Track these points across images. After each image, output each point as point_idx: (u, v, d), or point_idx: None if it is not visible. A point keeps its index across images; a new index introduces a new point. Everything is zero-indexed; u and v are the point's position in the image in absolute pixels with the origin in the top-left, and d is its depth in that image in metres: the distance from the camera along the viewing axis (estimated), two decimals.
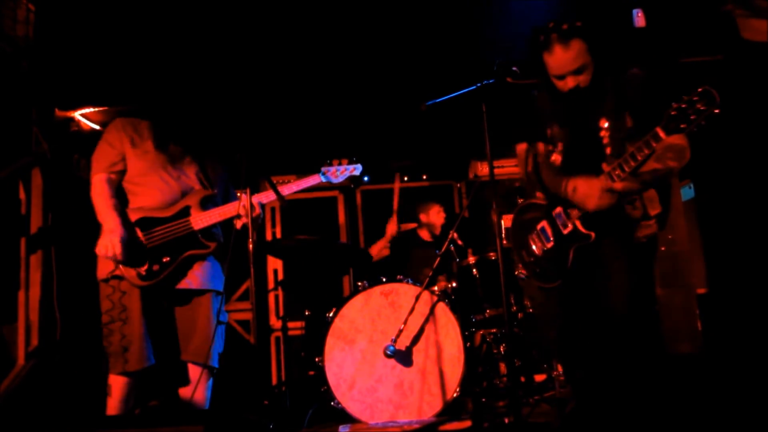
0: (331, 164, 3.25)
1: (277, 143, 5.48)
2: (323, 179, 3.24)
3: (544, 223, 2.79)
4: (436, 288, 3.81)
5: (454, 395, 3.50)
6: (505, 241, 3.14)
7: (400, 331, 3.52)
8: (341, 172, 3.23)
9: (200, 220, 3.03)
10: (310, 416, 3.67)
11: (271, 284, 5.40)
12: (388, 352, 3.47)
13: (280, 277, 5.39)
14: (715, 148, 3.74)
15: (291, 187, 3.19)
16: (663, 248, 2.64)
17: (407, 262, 4.92)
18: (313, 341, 4.02)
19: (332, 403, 3.58)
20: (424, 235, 5.12)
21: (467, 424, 3.27)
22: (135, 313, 2.93)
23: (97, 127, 4.21)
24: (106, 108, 4.23)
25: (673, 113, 2.27)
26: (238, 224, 3.08)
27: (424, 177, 5.92)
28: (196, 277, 3.03)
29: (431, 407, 3.50)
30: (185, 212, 3.03)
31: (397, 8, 4.48)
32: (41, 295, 3.54)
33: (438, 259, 3.71)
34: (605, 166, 2.52)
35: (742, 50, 3.38)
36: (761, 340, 3.44)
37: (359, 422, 3.53)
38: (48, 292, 3.55)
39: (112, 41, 4.20)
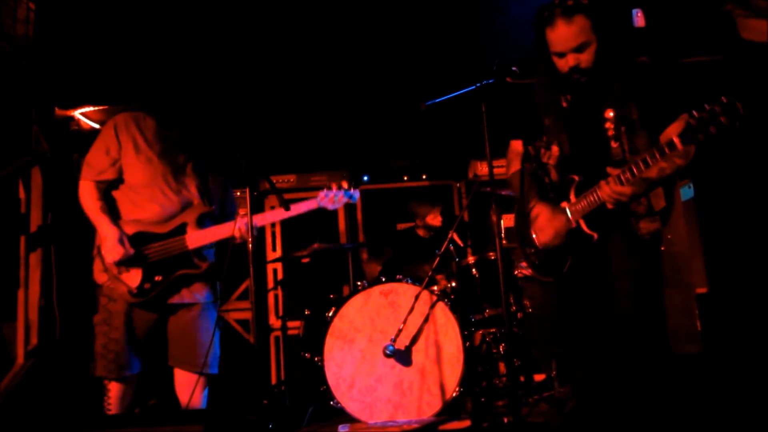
0: (330, 188, 3.22)
1: (277, 143, 5.49)
2: (320, 205, 3.21)
3: None
4: (435, 288, 3.81)
5: (454, 395, 3.50)
6: (504, 241, 3.13)
7: (400, 330, 3.52)
8: (338, 199, 3.20)
9: (195, 239, 2.99)
10: (310, 416, 3.68)
11: (270, 284, 5.40)
12: (388, 352, 3.48)
13: (280, 276, 5.40)
14: (715, 148, 3.73)
15: (286, 214, 3.10)
16: (663, 248, 2.60)
17: (406, 262, 4.92)
18: (312, 341, 4.02)
19: (331, 403, 3.59)
20: (423, 234, 5.14)
21: (466, 423, 3.28)
22: (118, 321, 2.91)
23: (97, 126, 4.21)
24: (106, 107, 4.23)
25: (692, 122, 2.12)
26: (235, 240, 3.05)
27: (424, 177, 5.92)
28: (188, 292, 3.00)
29: (430, 407, 3.50)
30: (181, 230, 2.99)
31: (396, 8, 4.48)
32: (41, 294, 3.55)
33: (437, 258, 3.71)
34: (611, 170, 2.42)
35: (742, 50, 3.37)
36: (761, 340, 3.45)
37: (358, 422, 3.53)
38: (48, 291, 3.55)
39: (112, 40, 4.20)
